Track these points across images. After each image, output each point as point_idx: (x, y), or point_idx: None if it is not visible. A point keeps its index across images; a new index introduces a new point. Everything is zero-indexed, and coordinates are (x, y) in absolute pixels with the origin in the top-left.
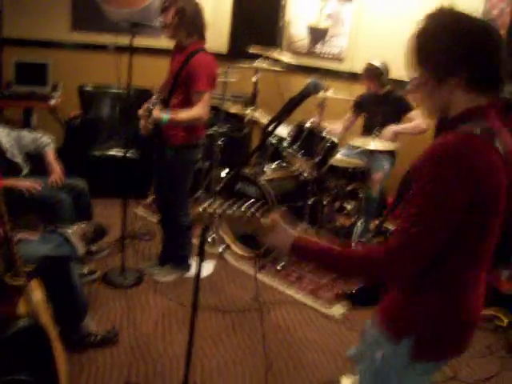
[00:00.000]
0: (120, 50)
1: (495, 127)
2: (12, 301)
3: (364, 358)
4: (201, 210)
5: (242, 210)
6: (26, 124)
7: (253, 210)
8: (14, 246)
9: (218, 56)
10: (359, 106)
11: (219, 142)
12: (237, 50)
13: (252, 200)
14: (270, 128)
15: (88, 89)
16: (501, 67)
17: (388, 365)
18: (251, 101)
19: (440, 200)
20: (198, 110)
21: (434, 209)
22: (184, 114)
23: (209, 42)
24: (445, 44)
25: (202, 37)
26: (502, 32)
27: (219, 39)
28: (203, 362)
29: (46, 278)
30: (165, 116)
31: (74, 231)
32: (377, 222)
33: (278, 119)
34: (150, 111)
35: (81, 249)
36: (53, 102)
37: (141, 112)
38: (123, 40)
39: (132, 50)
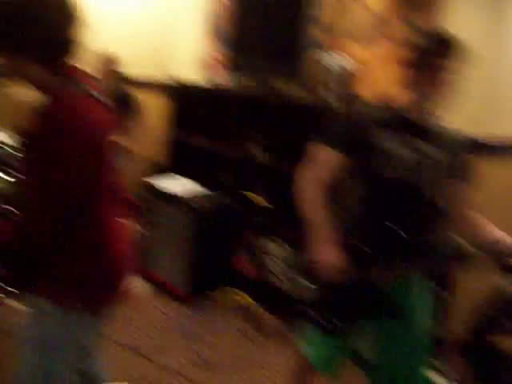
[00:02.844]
0: None
1: (77, 76)
2: None
3: (30, 330)
4: None
5: None
6: None
7: None
8: None
9: None
10: None
11: None
12: None
13: None
14: None
15: None
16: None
17: (54, 329)
18: None
19: (59, 161)
20: None
21: (59, 171)
22: None
23: None
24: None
25: None
26: None
27: None
28: None
29: None
30: None
31: None
32: None
33: None
34: None
35: None
36: None
37: None
38: None
39: None
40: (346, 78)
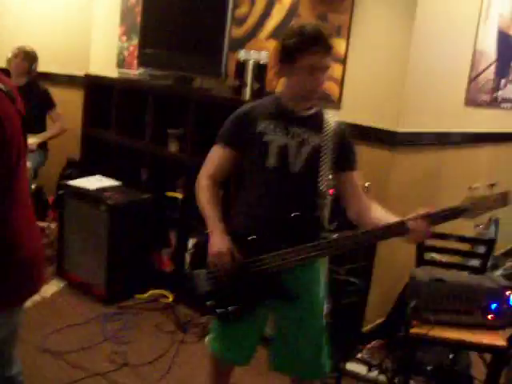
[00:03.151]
0: None
1: None
2: None
3: None
4: None
5: None
6: None
7: None
8: None
9: None
10: None
11: None
12: None
13: None
14: None
15: None
16: None
17: None
18: None
19: None
20: None
21: None
22: None
23: None
24: None
25: None
26: None
27: None
28: None
29: None
30: None
31: None
32: None
33: None
34: None
35: None
36: None
37: None
38: None
39: None
40: (262, 74)
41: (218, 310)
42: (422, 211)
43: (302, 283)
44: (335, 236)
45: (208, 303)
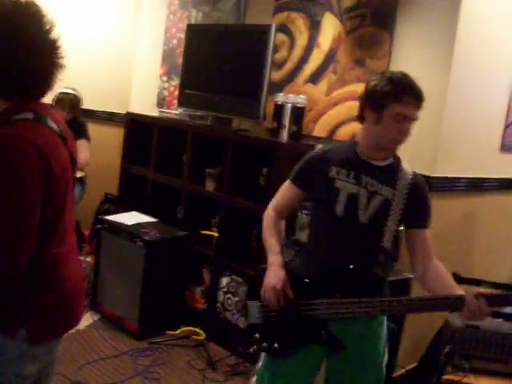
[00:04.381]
0: None
1: (44, 110)
2: None
3: None
4: None
5: None
6: None
7: None
8: None
9: None
10: None
11: None
12: None
13: None
14: None
15: None
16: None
17: (5, 359)
18: None
19: (21, 190)
20: None
21: (21, 202)
22: None
23: None
24: None
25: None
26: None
27: None
28: None
29: None
30: None
31: None
32: None
33: None
34: None
35: None
36: None
37: None
38: None
39: None
40: (300, 117)
41: (264, 344)
42: (482, 291)
43: (354, 334)
44: (388, 298)
45: (255, 335)
